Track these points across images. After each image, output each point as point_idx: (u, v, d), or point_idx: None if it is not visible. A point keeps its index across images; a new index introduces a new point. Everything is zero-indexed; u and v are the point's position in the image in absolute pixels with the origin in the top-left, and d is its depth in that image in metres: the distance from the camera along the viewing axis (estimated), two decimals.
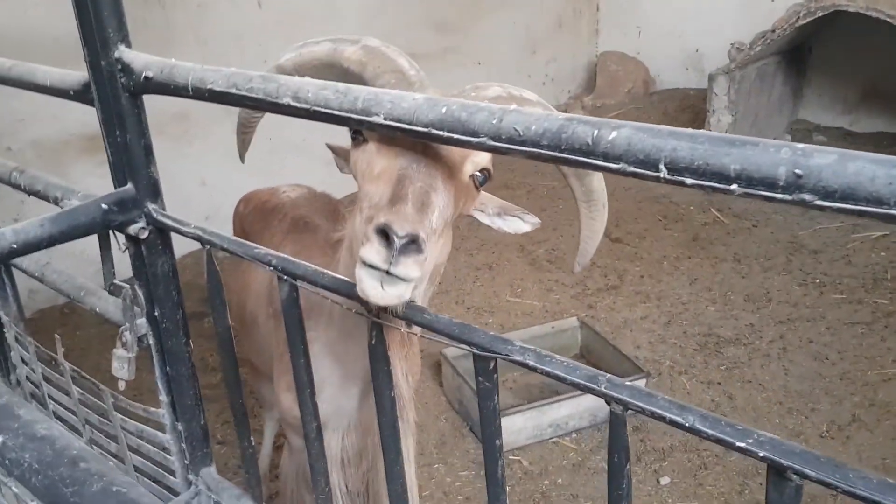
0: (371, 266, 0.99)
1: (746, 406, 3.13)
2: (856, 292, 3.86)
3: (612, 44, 7.49)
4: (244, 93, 1.13)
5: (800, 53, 6.13)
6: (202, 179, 4.83)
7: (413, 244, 0.98)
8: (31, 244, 1.23)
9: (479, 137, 0.91)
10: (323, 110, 1.05)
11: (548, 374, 0.95)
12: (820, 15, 4.96)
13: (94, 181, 4.19)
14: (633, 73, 7.30)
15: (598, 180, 1.35)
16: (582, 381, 0.92)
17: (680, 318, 3.80)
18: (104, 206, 1.35)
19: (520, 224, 1.37)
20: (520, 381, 3.39)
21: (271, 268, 1.25)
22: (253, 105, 1.14)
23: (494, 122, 0.90)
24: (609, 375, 0.91)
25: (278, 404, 1.76)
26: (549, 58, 7.14)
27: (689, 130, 0.78)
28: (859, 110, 6.16)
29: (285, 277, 1.23)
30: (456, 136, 0.93)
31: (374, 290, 1.00)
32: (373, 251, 0.99)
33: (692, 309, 3.86)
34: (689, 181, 0.77)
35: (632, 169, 0.80)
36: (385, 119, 0.99)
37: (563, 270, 4.36)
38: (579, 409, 3.03)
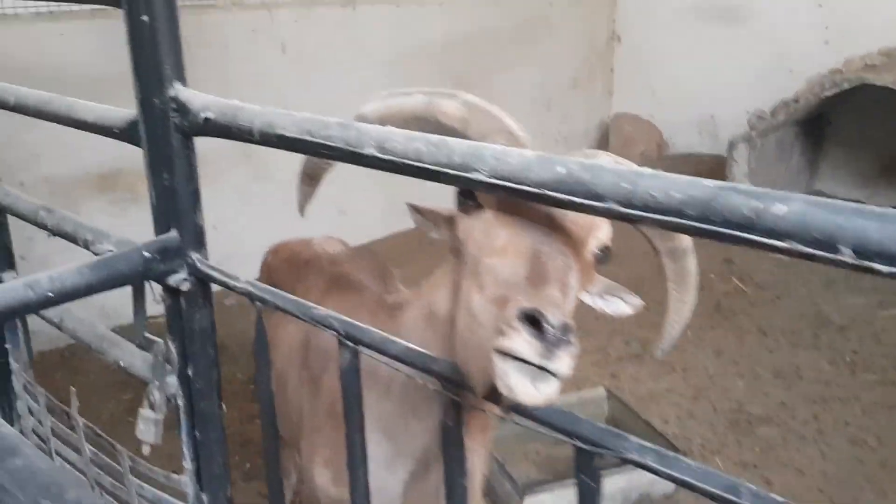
0: (518, 359, 0.85)
1: (785, 492, 2.94)
2: (888, 372, 3.72)
3: (626, 105, 7.50)
4: (320, 140, 1.02)
5: (817, 124, 6.12)
6: (213, 224, 4.70)
7: (565, 335, 0.86)
8: (67, 293, 1.10)
9: (604, 202, 0.80)
10: (413, 164, 0.94)
11: (673, 479, 0.82)
12: (846, 87, 4.94)
13: (105, 219, 4.07)
14: (647, 136, 7.28)
15: (693, 261, 1.23)
16: (719, 492, 0.79)
17: (707, 392, 3.64)
18: (146, 253, 1.23)
19: (622, 306, 1.24)
20: (542, 453, 3.20)
21: (333, 332, 1.12)
22: (329, 154, 1.03)
23: (626, 185, 0.79)
24: (752, 486, 0.78)
25: (310, 480, 1.59)
26: (563, 116, 7.13)
27: (876, 208, 0.67)
28: (877, 184, 6.12)
29: (349, 343, 1.11)
30: (577, 199, 0.82)
31: (525, 389, 0.86)
32: (523, 343, 0.85)
33: (720, 383, 3.71)
34: (883, 269, 0.65)
35: (805, 249, 0.69)
36: (488, 177, 0.88)
37: (582, 335, 4.21)
38: (612, 489, 2.83)
